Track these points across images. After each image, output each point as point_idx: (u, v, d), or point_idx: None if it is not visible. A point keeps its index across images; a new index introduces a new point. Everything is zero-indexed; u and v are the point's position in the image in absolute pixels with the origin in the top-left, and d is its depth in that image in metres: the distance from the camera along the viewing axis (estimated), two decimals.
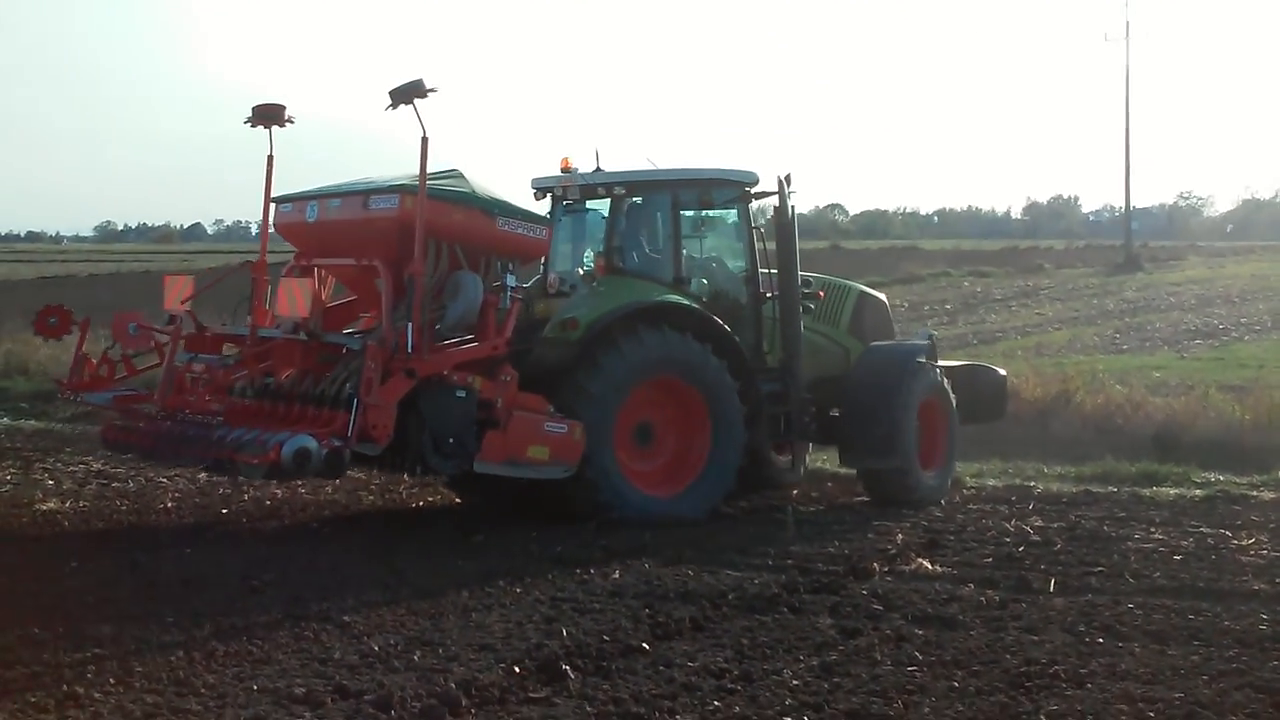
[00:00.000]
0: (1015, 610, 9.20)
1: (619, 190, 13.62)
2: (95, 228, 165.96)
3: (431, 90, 11.39)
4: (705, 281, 14.11)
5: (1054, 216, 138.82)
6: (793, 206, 13.91)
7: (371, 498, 14.22)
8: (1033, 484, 15.31)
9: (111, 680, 7.39)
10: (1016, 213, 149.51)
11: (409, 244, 11.66)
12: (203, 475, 13.63)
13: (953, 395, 14.61)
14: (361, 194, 12.24)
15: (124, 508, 13.15)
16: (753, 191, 14.08)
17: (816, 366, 14.28)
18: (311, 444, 10.64)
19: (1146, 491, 14.76)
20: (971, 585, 10.01)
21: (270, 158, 13.01)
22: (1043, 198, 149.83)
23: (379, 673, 7.60)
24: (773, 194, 14.03)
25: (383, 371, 11.16)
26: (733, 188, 14.01)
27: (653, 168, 14.05)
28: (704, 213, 14.34)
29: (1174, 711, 6.92)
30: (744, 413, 13.17)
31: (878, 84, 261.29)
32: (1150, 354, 28.94)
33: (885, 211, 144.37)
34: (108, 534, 11.95)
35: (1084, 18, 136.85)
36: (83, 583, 9.81)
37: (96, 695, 7.12)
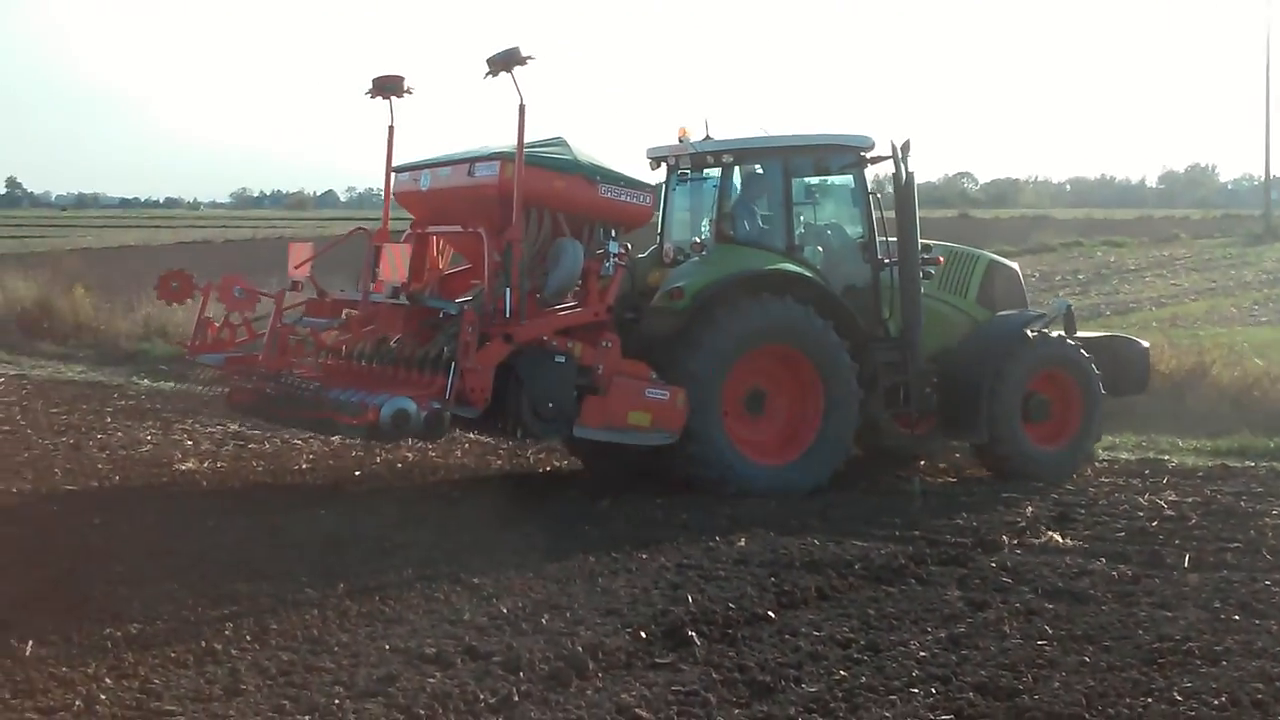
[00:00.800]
0: (1148, 586, 9.07)
1: (728, 158, 13.55)
2: (231, 194, 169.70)
3: (529, 58, 11.54)
4: (820, 249, 13.98)
5: (1191, 185, 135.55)
6: (911, 173, 13.62)
7: (500, 462, 14.40)
8: (1167, 458, 15.02)
9: (248, 637, 7.61)
10: (1152, 181, 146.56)
11: (510, 210, 11.86)
12: (336, 438, 13.84)
13: (1089, 367, 14.21)
14: (467, 162, 12.45)
15: (260, 469, 13.49)
16: (869, 157, 13.83)
17: (942, 336, 14.03)
18: (410, 406, 10.95)
19: None
20: (1103, 560, 9.88)
21: (391, 128, 13.37)
22: (1179, 166, 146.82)
23: (507, 635, 7.71)
24: (889, 159, 13.76)
25: (481, 336, 11.39)
26: (848, 153, 13.81)
27: (765, 135, 13.92)
28: (819, 180, 14.24)
29: None
30: (859, 381, 13.04)
31: (1008, 50, 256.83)
32: None
33: (1016, 180, 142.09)
34: (244, 494, 12.23)
35: None
36: (220, 541, 10.08)
37: (234, 652, 7.34)
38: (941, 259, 14.15)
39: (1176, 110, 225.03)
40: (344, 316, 12.81)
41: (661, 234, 14.12)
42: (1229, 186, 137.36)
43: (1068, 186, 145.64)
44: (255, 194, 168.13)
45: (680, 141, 14.04)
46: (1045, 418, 14.03)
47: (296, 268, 13.08)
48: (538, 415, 11.79)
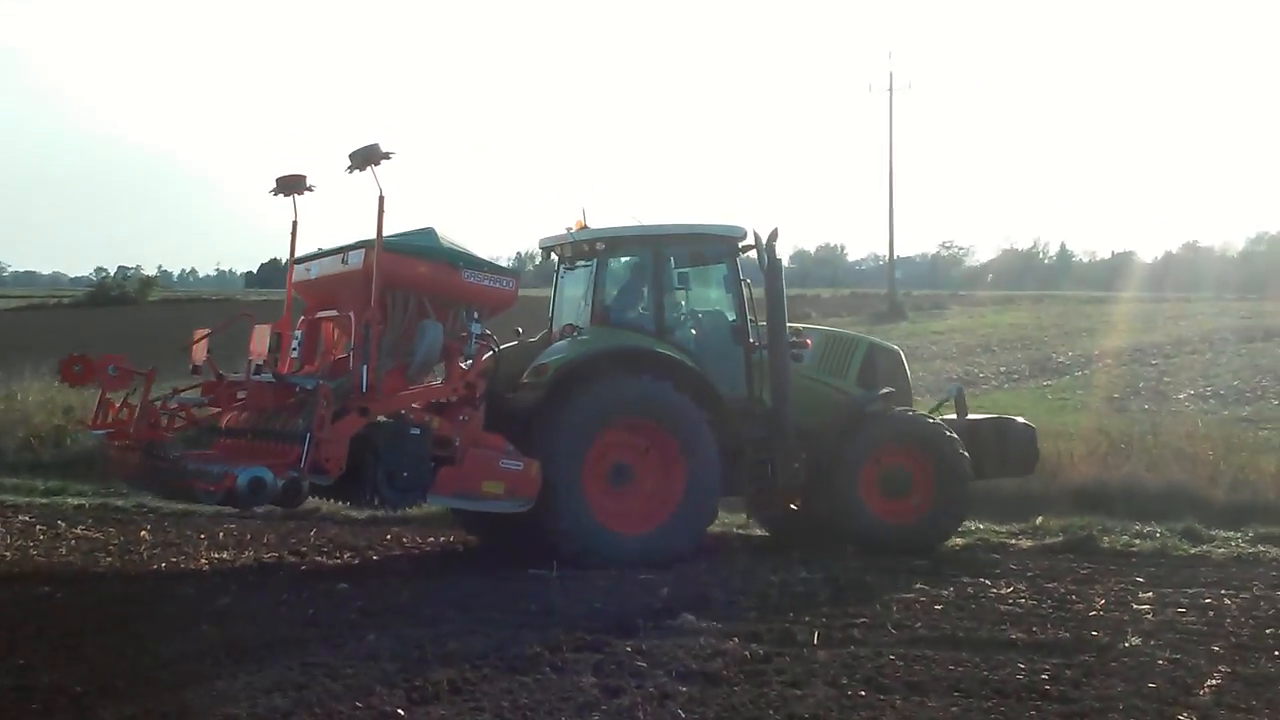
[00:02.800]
0: (779, 664, 9.11)
1: (601, 247, 14.32)
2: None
3: (388, 154, 12.49)
4: (694, 331, 14.63)
5: (821, 265, 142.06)
6: (778, 260, 14.34)
7: (110, 559, 13.54)
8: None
9: None
10: (785, 261, 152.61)
11: (377, 295, 12.67)
12: None
13: (942, 445, 14.52)
14: (343, 251, 13.27)
15: None
16: (740, 245, 14.48)
17: (821, 415, 14.58)
18: (267, 474, 11.77)
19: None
20: (736, 639, 9.90)
21: (295, 224, 14.13)
22: (810, 246, 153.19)
23: None
24: (754, 247, 14.40)
25: (338, 409, 12.22)
26: (717, 242, 14.60)
27: (637, 224, 14.64)
28: (694, 266, 14.85)
29: None
30: (723, 455, 13.67)
31: (652, 136, 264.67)
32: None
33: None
34: None
35: (850, 70, 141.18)
36: None
37: None
38: (809, 341, 14.75)
39: (806, 191, 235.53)
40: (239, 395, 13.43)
41: (551, 318, 15.09)
42: (857, 266, 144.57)
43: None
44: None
45: (566, 231, 14.74)
46: (905, 493, 14.47)
47: (195, 350, 13.85)
48: (393, 484, 12.53)
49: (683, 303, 14.81)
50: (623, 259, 14.76)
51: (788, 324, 14.37)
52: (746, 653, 9.44)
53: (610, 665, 9.12)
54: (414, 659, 9.22)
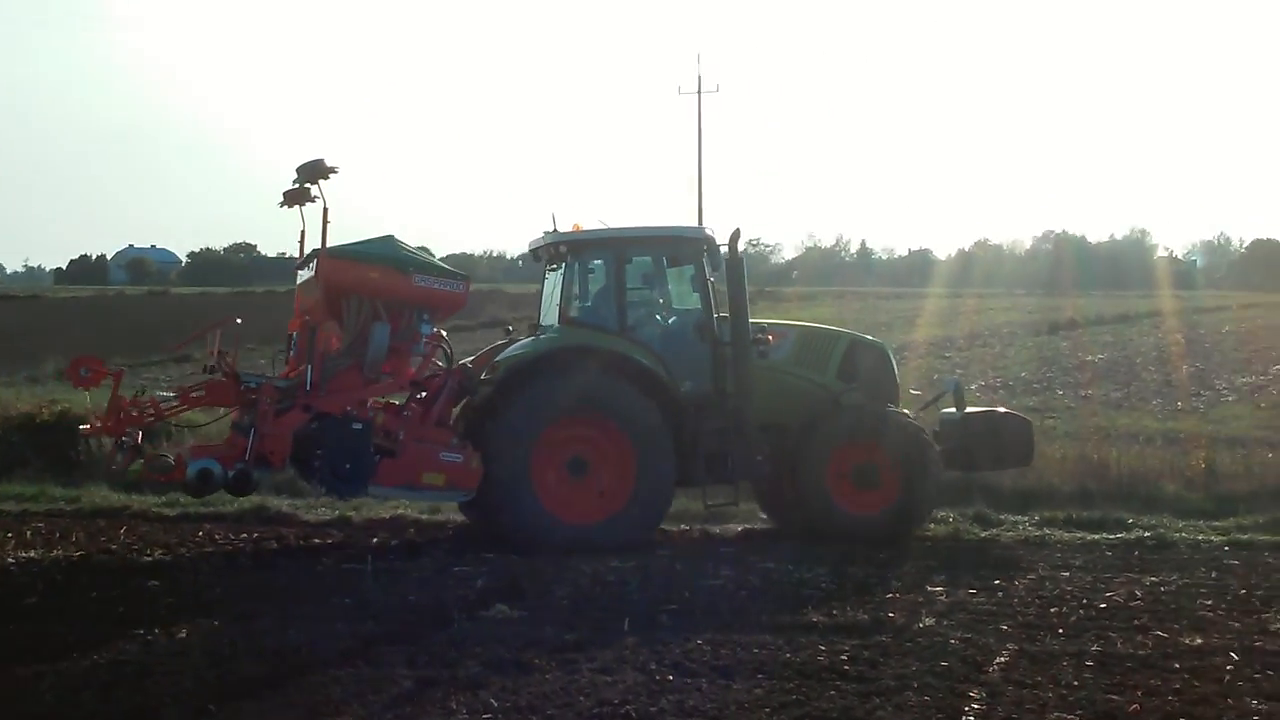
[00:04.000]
0: (590, 652, 9.30)
1: (563, 249, 14.86)
2: None
3: (333, 170, 13.83)
4: (660, 330, 15.02)
5: None
6: (741, 258, 14.64)
7: None
8: None
9: None
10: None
11: (331, 300, 13.94)
12: None
13: (908, 438, 14.59)
14: (313, 258, 14.17)
15: None
16: (705, 246, 14.72)
17: (796, 410, 14.78)
18: (215, 466, 13.21)
19: (716, 529, 15.29)
20: (549, 628, 10.08)
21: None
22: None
23: None
24: (720, 246, 14.62)
25: (284, 405, 13.41)
26: (681, 244, 15.06)
27: (602, 226, 15.03)
28: (658, 266, 15.30)
29: None
30: (678, 447, 14.06)
31: (452, 124, 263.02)
32: None
33: (471, 254, 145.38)
34: None
35: (662, 72, 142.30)
36: None
37: None
38: (772, 337, 14.81)
39: (622, 192, 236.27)
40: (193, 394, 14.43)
41: (538, 318, 15.57)
42: None
43: (520, 263, 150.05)
44: None
45: (544, 234, 15.27)
46: (875, 486, 14.53)
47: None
48: (336, 475, 13.47)
49: (648, 302, 15.25)
50: (588, 261, 15.11)
51: (752, 320, 14.72)
52: (558, 641, 9.63)
53: (423, 656, 9.22)
54: (225, 654, 9.22)
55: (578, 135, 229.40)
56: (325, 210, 13.91)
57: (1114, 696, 8.19)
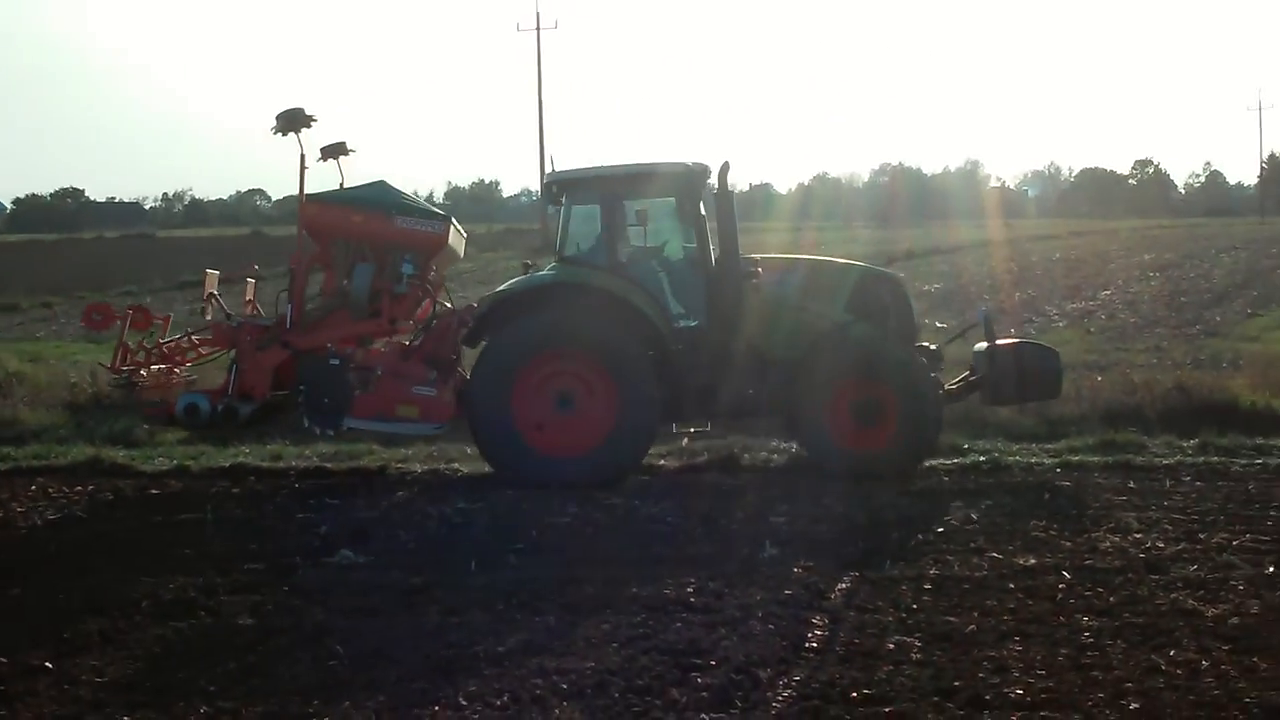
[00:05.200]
0: (437, 595, 9.30)
1: (555, 189, 14.96)
2: None
3: (313, 119, 14.69)
4: (653, 266, 14.93)
5: (475, 201, 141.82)
6: (730, 191, 14.58)
7: None
8: (457, 466, 15.47)
9: None
10: (439, 196, 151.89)
11: (313, 242, 14.97)
12: None
13: (906, 372, 14.12)
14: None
15: None
16: (697, 181, 14.65)
17: (802, 344, 14.39)
18: (201, 400, 14.35)
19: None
20: (395, 572, 10.04)
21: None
22: (464, 182, 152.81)
23: None
24: (708, 180, 14.71)
25: (264, 343, 14.46)
26: (672, 179, 14.75)
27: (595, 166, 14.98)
28: (651, 201, 15.07)
29: (585, 680, 7.21)
30: (664, 380, 14.08)
31: (308, 60, 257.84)
32: None
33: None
34: None
35: (499, 8, 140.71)
36: None
37: None
38: (761, 270, 14.48)
39: (458, 129, 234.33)
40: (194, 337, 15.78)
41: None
42: (512, 202, 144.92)
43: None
44: None
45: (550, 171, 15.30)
46: (876, 420, 14.11)
47: (205, 296, 15.99)
48: (314, 409, 14.19)
49: (642, 238, 15.13)
50: (581, 199, 15.01)
51: (764, 255, 14.67)
52: (405, 584, 9.60)
53: (268, 605, 9.16)
54: (62, 610, 9.04)
55: (415, 77, 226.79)
56: (302, 158, 14.63)
57: (951, 618, 8.43)
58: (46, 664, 7.76)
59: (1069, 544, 10.57)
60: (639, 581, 9.46)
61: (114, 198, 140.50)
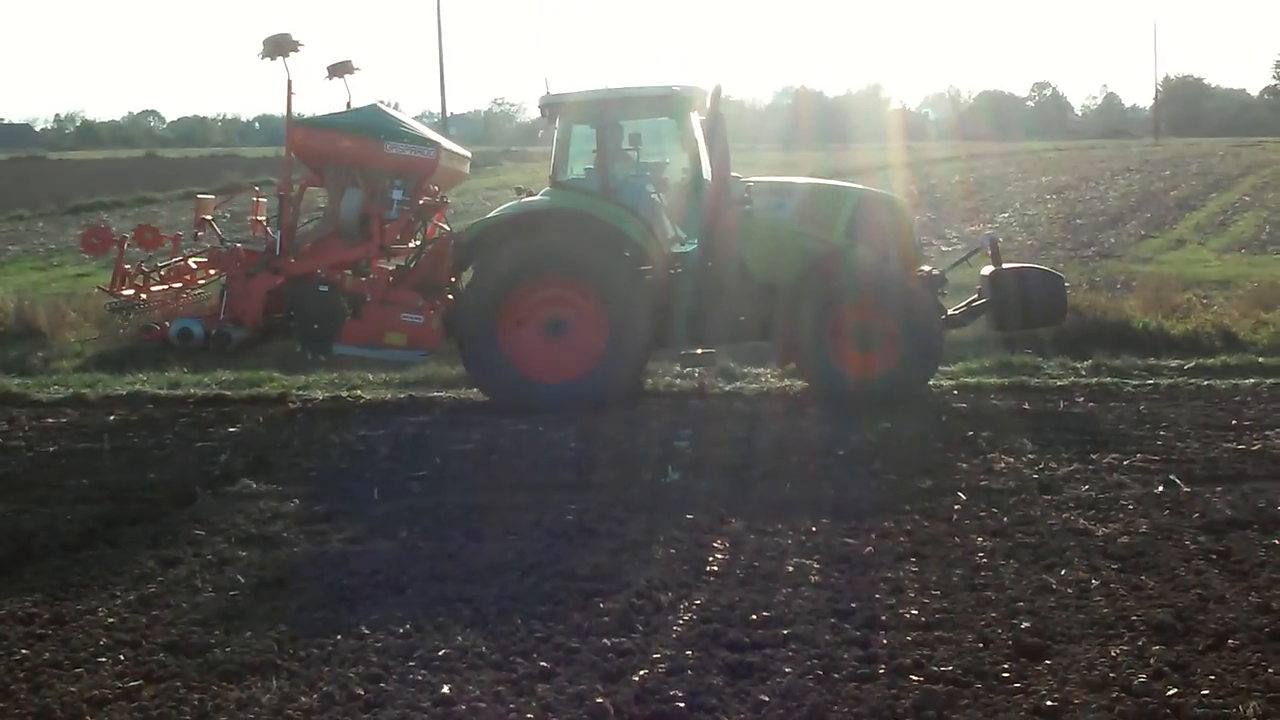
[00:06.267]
0: (339, 523, 9.30)
1: (546, 112, 14.87)
2: None
3: (299, 44, 14.42)
4: (646, 191, 14.87)
5: None
6: (720, 114, 14.25)
7: None
8: (359, 393, 15.40)
9: None
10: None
11: (303, 167, 15.14)
12: None
13: (904, 299, 13.98)
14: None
15: None
16: (690, 104, 14.56)
17: (799, 269, 14.27)
18: (194, 325, 14.39)
19: (472, 394, 15.20)
20: (297, 501, 10.02)
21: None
22: (363, 102, 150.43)
23: None
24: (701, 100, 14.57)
25: (254, 269, 14.43)
26: (665, 102, 14.71)
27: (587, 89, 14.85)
28: (650, 125, 15.17)
29: (489, 608, 7.24)
30: (655, 306, 14.05)
31: None
32: None
33: (204, 118, 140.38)
34: None
35: None
36: None
37: None
38: (753, 193, 14.28)
39: (356, 49, 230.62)
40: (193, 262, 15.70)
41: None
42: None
43: (257, 125, 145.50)
44: None
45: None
46: (875, 346, 13.94)
47: (199, 219, 15.63)
48: (304, 334, 14.44)
49: (635, 163, 14.99)
50: (573, 123, 14.88)
51: (754, 179, 14.55)
52: (306, 513, 9.59)
53: (167, 536, 9.09)
54: None
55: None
56: (289, 84, 14.46)
57: (849, 540, 8.56)
58: None
59: (965, 465, 10.77)
60: (542, 508, 9.48)
61: (2, 119, 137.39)
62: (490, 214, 14.93)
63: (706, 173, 14.38)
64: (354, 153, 14.54)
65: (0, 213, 39.54)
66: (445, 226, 15.47)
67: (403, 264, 15.10)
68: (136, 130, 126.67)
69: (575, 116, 14.87)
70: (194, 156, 70.33)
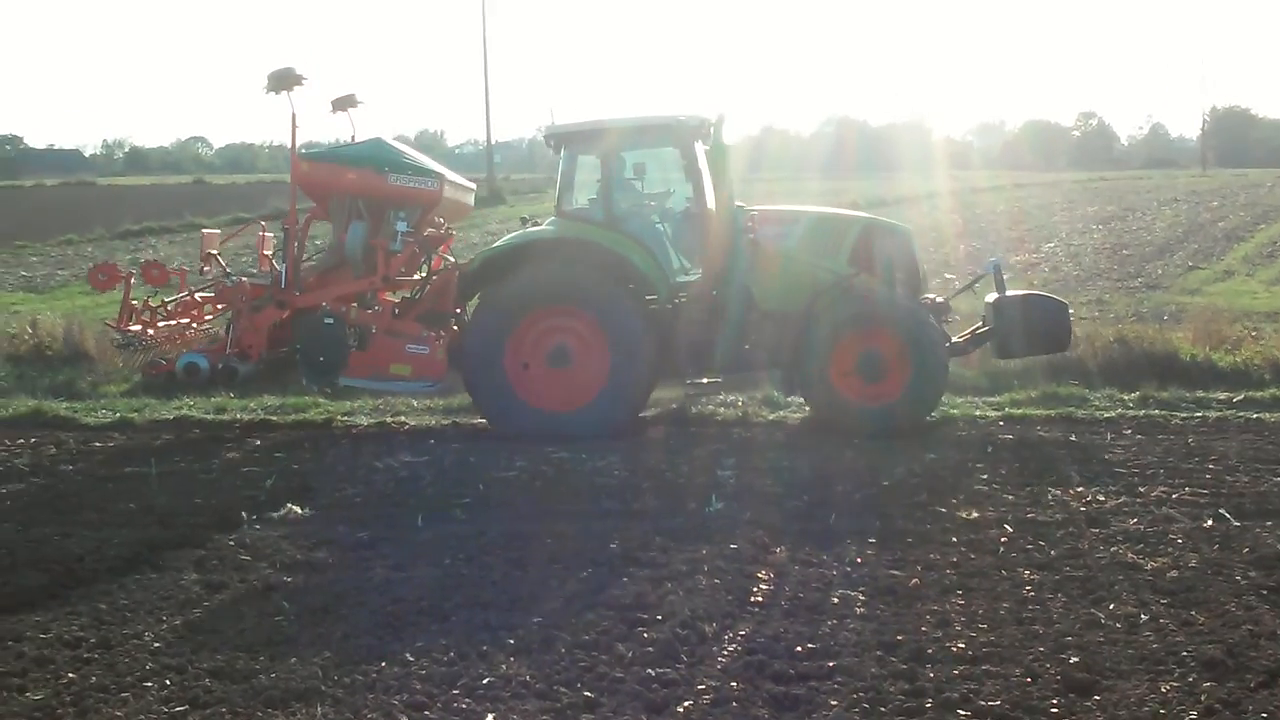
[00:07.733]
0: (383, 550, 9.31)
1: (552, 143, 14.99)
2: None
3: (303, 78, 14.53)
4: (651, 220, 14.91)
5: (421, 150, 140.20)
6: (723, 143, 14.43)
7: None
8: (403, 419, 15.48)
9: None
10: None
11: (314, 200, 15.42)
12: None
13: (910, 327, 13.92)
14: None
15: None
16: (696, 133, 14.54)
17: (804, 298, 14.24)
18: (200, 360, 14.51)
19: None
20: (342, 527, 10.04)
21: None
22: (410, 132, 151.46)
23: None
24: (705, 132, 14.54)
25: (260, 303, 14.59)
26: (669, 132, 14.67)
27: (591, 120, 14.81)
28: (652, 154, 15.12)
29: (531, 636, 7.23)
30: (659, 337, 14.08)
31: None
32: None
33: (252, 145, 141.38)
34: None
35: None
36: None
37: None
38: (760, 222, 14.37)
39: (402, 78, 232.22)
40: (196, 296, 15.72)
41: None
42: (457, 150, 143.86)
43: (303, 151, 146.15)
44: None
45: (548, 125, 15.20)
46: (882, 375, 13.92)
47: (205, 255, 15.99)
48: (310, 367, 14.37)
49: (640, 192, 15.05)
50: (577, 154, 14.94)
51: (758, 207, 14.62)
52: (351, 539, 9.61)
53: (213, 560, 9.12)
54: (5, 566, 8.97)
55: (362, 25, 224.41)
56: (294, 117, 14.60)
57: (895, 572, 8.50)
58: None
59: (1011, 497, 10.69)
60: (585, 536, 9.49)
61: (53, 145, 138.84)
62: (495, 244, 14.98)
63: (711, 202, 14.45)
64: (358, 185, 14.73)
65: (50, 237, 39.98)
66: (450, 259, 15.55)
67: (408, 295, 15.15)
68: (184, 156, 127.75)
69: (579, 147, 14.90)
70: (241, 182, 70.90)
